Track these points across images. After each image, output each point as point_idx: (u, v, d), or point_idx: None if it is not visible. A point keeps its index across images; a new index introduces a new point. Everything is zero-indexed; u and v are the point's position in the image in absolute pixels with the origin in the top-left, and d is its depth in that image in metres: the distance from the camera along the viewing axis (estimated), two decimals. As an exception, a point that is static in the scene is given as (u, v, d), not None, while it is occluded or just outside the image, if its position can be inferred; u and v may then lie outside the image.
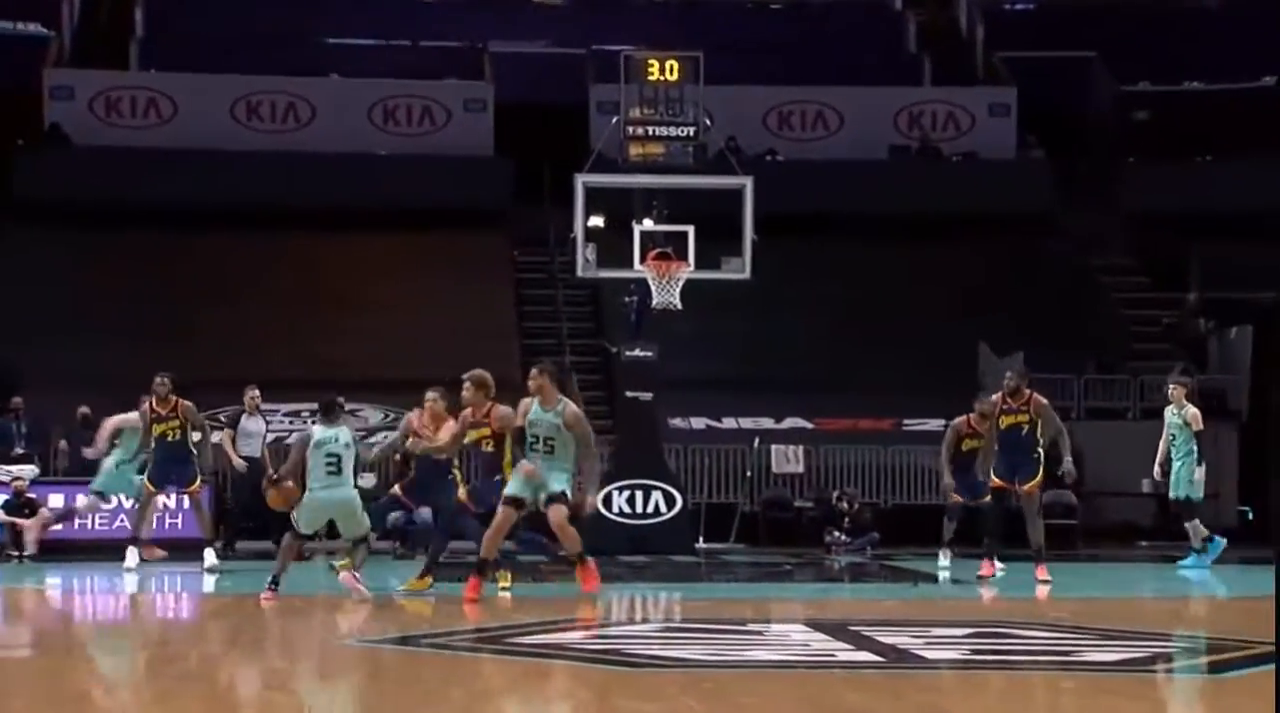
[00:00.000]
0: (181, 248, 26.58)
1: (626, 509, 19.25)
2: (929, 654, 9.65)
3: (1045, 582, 14.98)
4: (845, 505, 20.28)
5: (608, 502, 19.28)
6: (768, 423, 23.41)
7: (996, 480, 15.64)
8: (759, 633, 10.79)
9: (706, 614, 12.42)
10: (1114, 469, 22.09)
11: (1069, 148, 30.42)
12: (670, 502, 18.99)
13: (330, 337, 25.20)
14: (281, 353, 24.38)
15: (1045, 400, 15.77)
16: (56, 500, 18.88)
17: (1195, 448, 16.82)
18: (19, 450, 20.29)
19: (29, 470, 19.35)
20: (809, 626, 10.97)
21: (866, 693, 8.18)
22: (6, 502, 18.20)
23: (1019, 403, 15.56)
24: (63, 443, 20.97)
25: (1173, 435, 16.94)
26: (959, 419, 16.68)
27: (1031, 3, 35.36)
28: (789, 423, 24.00)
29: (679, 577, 16.60)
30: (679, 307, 19.27)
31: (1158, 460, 17.19)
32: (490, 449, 13.37)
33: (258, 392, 18.69)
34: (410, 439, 14.23)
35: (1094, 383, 24.53)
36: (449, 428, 13.76)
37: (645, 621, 12.14)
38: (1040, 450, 15.50)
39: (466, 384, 13.41)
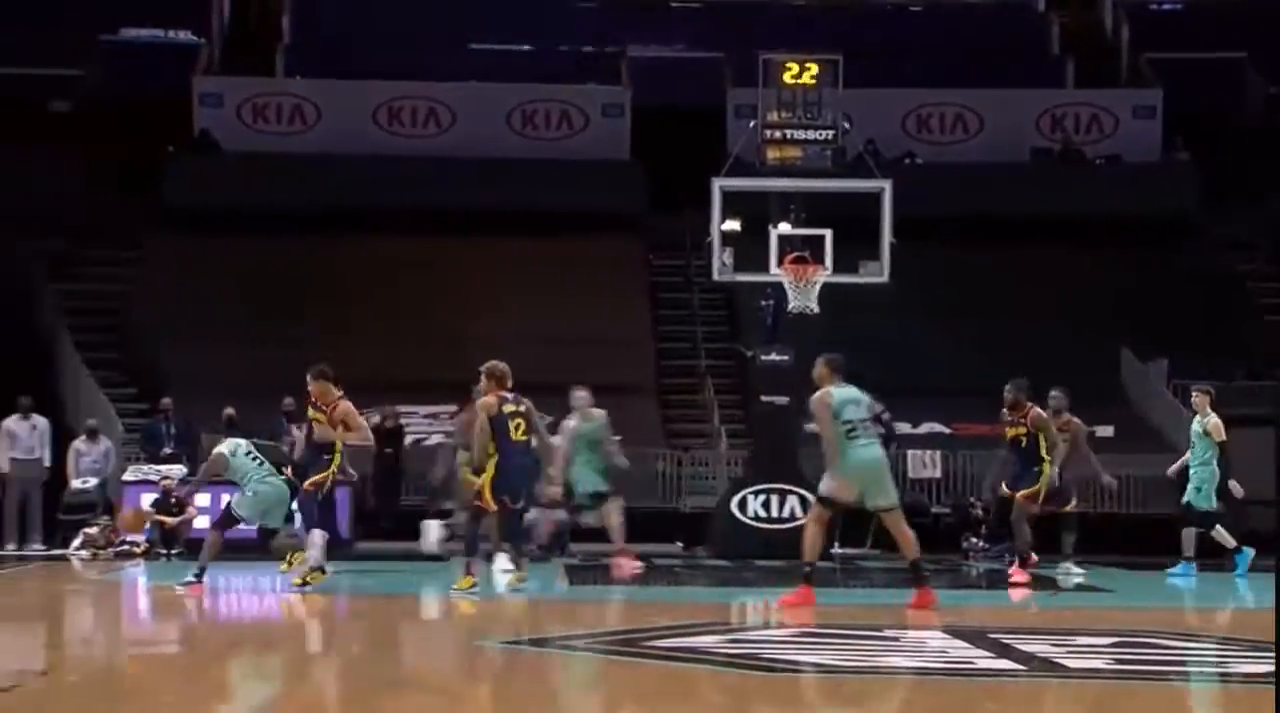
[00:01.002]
0: (324, 252, 26.94)
1: (761, 514, 19.16)
2: (1071, 663, 9.45)
3: (1018, 585, 15.07)
4: (982, 511, 20.01)
5: (743, 506, 19.22)
6: (905, 428, 23.15)
7: (1005, 489, 16.02)
8: (895, 639, 10.65)
9: (842, 620, 12.30)
10: (1264, 478, 21.54)
11: (1216, 151, 29.79)
12: (805, 506, 18.85)
13: (466, 341, 25.37)
14: (421, 356, 24.62)
15: (1044, 414, 15.87)
16: (203, 500, 19.21)
17: (1214, 457, 16.77)
18: (168, 450, 20.67)
19: (178, 470, 19.72)
20: (947, 632, 10.81)
21: (1006, 702, 8.04)
22: (156, 500, 18.55)
23: (1017, 416, 15.76)
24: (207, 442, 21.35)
25: (1192, 444, 16.98)
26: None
27: (1179, 3, 34.69)
28: (926, 428, 23.75)
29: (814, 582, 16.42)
30: (815, 310, 19.14)
31: (1175, 467, 17.45)
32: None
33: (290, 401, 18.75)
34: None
35: (1241, 390, 23.96)
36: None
37: (781, 625, 12.04)
38: (1044, 462, 15.66)
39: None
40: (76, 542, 18.57)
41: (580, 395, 17.08)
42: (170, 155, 28.73)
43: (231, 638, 11.84)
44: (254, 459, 14.40)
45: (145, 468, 19.81)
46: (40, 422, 19.69)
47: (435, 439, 23.52)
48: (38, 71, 28.10)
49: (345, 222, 27.15)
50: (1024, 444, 15.77)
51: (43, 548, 19.20)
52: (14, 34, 28.20)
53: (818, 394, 12.61)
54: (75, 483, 19.68)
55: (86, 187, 27.09)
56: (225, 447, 14.54)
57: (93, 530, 18.48)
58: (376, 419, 22.42)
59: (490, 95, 30.16)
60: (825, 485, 12.63)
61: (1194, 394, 17.18)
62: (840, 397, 12.51)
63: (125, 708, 8.18)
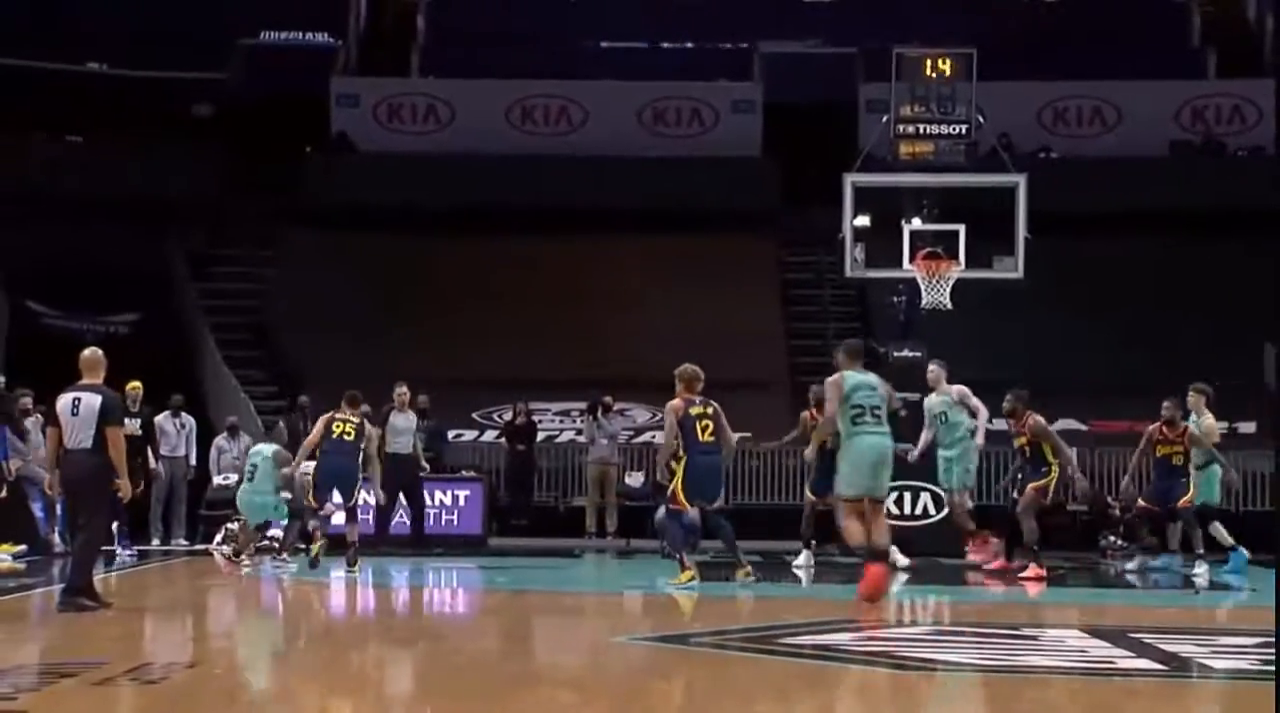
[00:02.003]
0: (457, 251, 27.20)
1: (894, 511, 18.99)
2: (1215, 664, 9.29)
3: (1031, 579, 15.18)
4: (1120, 511, 19.71)
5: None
6: (1067, 425, 22.87)
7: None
8: (1033, 638, 10.53)
9: (978, 618, 12.19)
10: None
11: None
12: (939, 504, 18.70)
13: (598, 338, 25.51)
14: (552, 354, 24.78)
15: (1041, 420, 16.02)
16: (339, 496, 19.46)
17: (1212, 457, 16.63)
18: (308, 446, 20.91)
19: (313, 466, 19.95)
20: (1085, 631, 10.66)
21: (1147, 702, 7.92)
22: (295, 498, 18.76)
23: (1018, 426, 16.01)
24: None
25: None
26: (1151, 426, 16.68)
27: (1325, -10, 33.92)
28: (1062, 425, 23.42)
29: (948, 580, 16.33)
30: (948, 306, 18.98)
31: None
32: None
33: (405, 389, 18.82)
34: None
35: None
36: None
37: (915, 623, 11.96)
38: (1051, 466, 15.84)
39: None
40: (218, 537, 18.90)
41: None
42: (307, 156, 29.16)
43: (367, 633, 12.00)
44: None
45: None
46: (188, 420, 20.07)
47: (566, 436, 23.67)
48: (181, 75, 28.69)
49: (478, 220, 27.39)
50: (1028, 453, 16.06)
51: (185, 544, 19.58)
52: (158, 40, 28.83)
53: (832, 376, 12.70)
54: (217, 479, 20.05)
55: (227, 187, 27.61)
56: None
57: (234, 526, 18.77)
58: (509, 415, 22.67)
59: (622, 93, 30.27)
60: (839, 486, 12.63)
61: (1190, 394, 16.95)
62: (853, 380, 12.53)
63: (268, 701, 8.34)
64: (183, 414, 19.98)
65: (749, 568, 14.18)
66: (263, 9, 30.54)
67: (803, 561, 16.55)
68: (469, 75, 30.22)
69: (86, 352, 11.95)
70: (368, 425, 15.89)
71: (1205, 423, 16.79)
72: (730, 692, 8.19)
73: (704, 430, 13.73)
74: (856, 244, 19.53)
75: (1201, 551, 16.26)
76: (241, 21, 29.94)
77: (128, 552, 17.57)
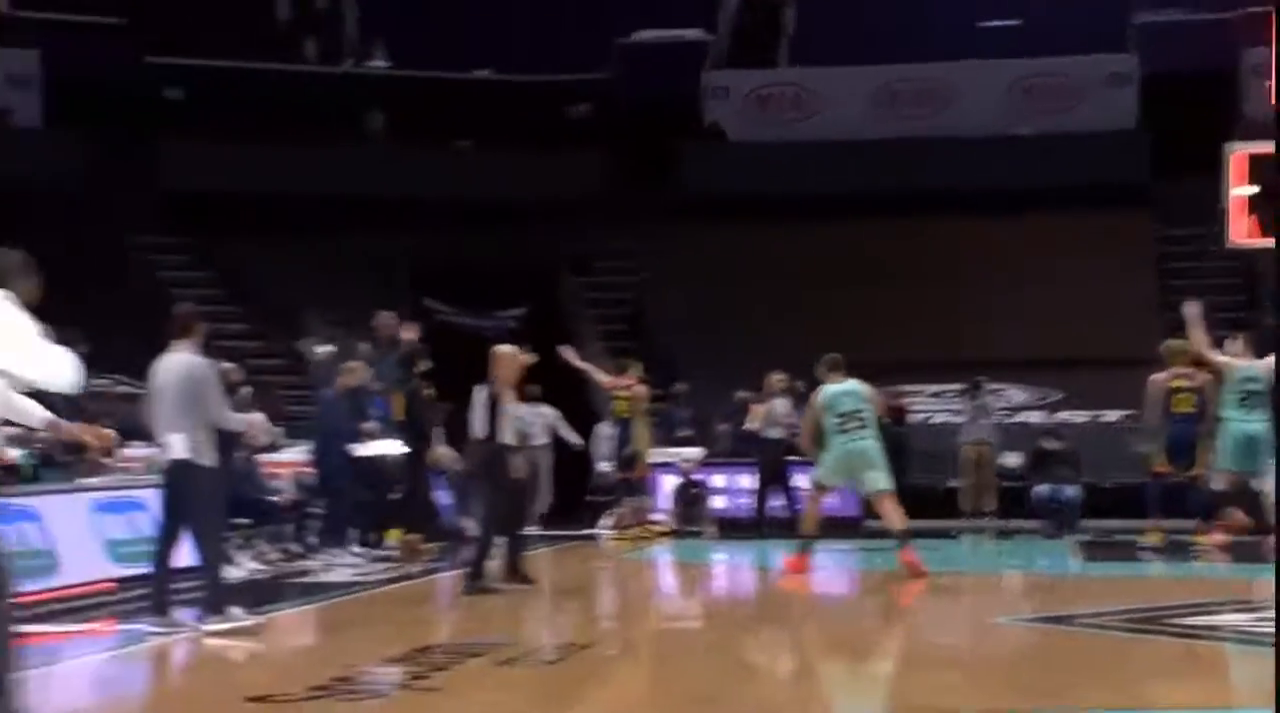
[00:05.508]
0: (829, 236, 27.23)
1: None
2: None
3: None
4: None
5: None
6: None
7: None
8: None
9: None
10: None
11: None
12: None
13: (970, 319, 25.19)
14: (926, 336, 24.61)
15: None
16: (719, 481, 19.86)
17: None
18: (683, 434, 21.39)
19: (696, 453, 20.39)
20: None
21: None
22: (679, 486, 19.17)
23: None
24: (723, 427, 21.93)
25: None
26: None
27: None
28: None
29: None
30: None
31: None
32: None
33: (784, 376, 18.73)
34: None
35: None
36: None
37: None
38: None
39: None
40: (604, 521, 19.45)
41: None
42: (682, 149, 29.66)
43: (752, 613, 12.23)
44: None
45: (667, 451, 20.53)
46: (547, 411, 20.43)
47: (940, 419, 23.49)
48: (562, 78, 29.58)
49: (849, 205, 27.34)
50: None
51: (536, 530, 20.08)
52: (541, 44, 29.80)
53: (814, 394, 14.14)
54: (602, 466, 20.60)
55: (606, 185, 28.31)
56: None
57: (621, 510, 19.32)
58: (880, 398, 22.63)
59: (991, 72, 29.76)
60: (816, 474, 14.18)
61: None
62: (832, 392, 13.88)
63: (661, 682, 8.61)
64: (540, 405, 20.41)
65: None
66: (638, 9, 31.16)
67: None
68: (836, 63, 30.23)
69: (501, 347, 12.70)
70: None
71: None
72: (1118, 674, 8.06)
73: (1180, 403, 14.14)
74: (1239, 215, 18.76)
75: None
76: (617, 22, 30.63)
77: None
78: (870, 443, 13.78)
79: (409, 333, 16.63)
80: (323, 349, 17.46)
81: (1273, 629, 9.55)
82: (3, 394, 6.04)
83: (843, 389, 13.88)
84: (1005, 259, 26.42)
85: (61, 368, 5.72)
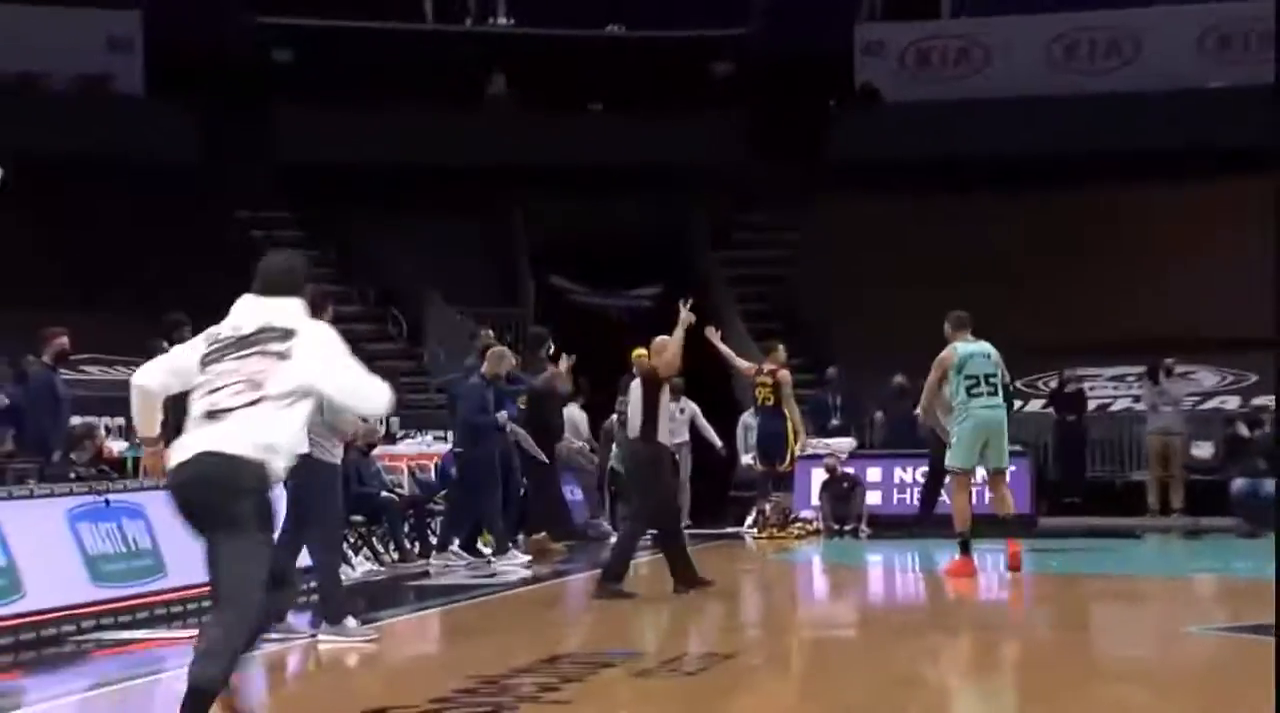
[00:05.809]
0: (999, 205, 26.97)
1: None
2: None
3: None
4: None
5: None
6: None
7: None
8: None
9: None
10: None
11: None
12: None
13: (1155, 294, 24.80)
14: (1102, 313, 24.31)
15: None
16: (874, 474, 19.81)
17: None
18: (834, 423, 21.33)
19: (846, 443, 20.35)
20: None
21: None
22: (825, 482, 19.14)
23: None
24: (879, 414, 21.84)
25: None
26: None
27: None
28: None
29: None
30: None
31: None
32: None
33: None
34: None
35: None
36: None
37: None
38: None
39: None
40: (749, 520, 19.50)
41: None
42: (832, 110, 29.54)
43: (910, 621, 12.22)
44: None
45: (814, 442, 20.47)
46: (688, 405, 20.47)
47: (1122, 404, 23.22)
48: (700, 34, 29.54)
49: (1017, 171, 27.05)
50: None
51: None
52: None
53: (944, 351, 13.75)
54: (745, 459, 20.62)
55: (748, 150, 28.29)
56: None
57: (766, 508, 19.34)
58: (1054, 383, 22.45)
59: (1176, 20, 29.25)
60: (951, 458, 13.91)
61: None
62: (965, 352, 13.64)
63: (810, 695, 8.65)
64: (682, 398, 20.43)
65: None
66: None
67: None
68: (1006, 11, 29.89)
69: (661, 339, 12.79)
70: None
71: None
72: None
73: None
74: None
75: None
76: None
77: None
78: (1003, 413, 13.81)
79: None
80: (486, 333, 17.51)
81: None
82: (309, 416, 6.38)
83: (977, 349, 13.79)
84: (1194, 228, 26.00)
85: (379, 397, 6.35)
